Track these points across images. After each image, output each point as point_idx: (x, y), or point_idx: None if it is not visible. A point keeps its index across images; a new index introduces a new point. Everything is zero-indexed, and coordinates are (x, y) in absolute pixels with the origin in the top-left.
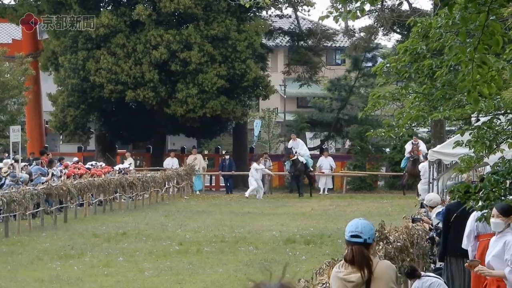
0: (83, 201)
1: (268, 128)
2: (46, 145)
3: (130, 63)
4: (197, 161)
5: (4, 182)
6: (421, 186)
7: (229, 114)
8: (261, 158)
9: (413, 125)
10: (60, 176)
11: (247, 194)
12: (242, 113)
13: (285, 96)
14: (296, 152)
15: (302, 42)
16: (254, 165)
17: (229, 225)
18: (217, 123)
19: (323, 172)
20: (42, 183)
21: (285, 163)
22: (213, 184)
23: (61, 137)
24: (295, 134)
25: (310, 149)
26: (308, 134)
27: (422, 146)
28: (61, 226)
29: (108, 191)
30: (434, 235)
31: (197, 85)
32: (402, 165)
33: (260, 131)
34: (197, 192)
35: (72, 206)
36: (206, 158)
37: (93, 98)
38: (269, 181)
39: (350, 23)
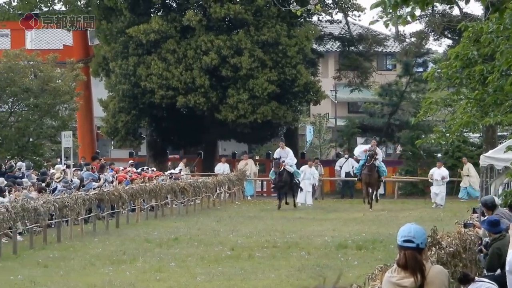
0: (134, 206)
1: (319, 133)
2: (97, 150)
3: (181, 69)
4: (248, 166)
5: (56, 187)
6: (435, 191)
7: (280, 120)
8: (311, 163)
9: (465, 130)
10: (112, 182)
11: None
12: (293, 118)
13: (336, 102)
14: (283, 162)
15: (352, 47)
16: (305, 167)
17: (280, 231)
18: (268, 129)
19: None
20: (94, 189)
21: (273, 174)
22: (265, 190)
23: (112, 142)
24: (283, 143)
25: None
26: (359, 140)
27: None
28: (113, 231)
29: (159, 197)
30: (482, 248)
31: (248, 91)
32: (357, 168)
33: (312, 137)
34: (249, 198)
35: (124, 212)
36: (257, 163)
37: (144, 104)
38: (320, 187)
39: (401, 28)
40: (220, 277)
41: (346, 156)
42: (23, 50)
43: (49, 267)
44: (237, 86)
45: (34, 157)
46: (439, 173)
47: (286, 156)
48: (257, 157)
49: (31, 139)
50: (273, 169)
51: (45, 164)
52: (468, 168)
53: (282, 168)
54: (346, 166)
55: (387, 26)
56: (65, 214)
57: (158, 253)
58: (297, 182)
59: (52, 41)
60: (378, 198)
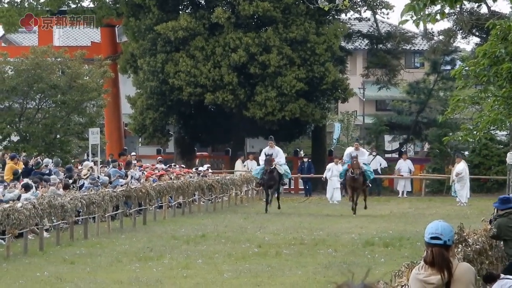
0: (162, 203)
1: (347, 131)
2: (125, 147)
3: (209, 66)
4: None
5: (83, 184)
6: (458, 187)
7: (308, 117)
8: (337, 160)
9: (492, 128)
10: (139, 179)
11: (338, 198)
12: (321, 116)
13: (364, 99)
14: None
15: (381, 45)
16: (332, 165)
17: (308, 228)
18: (296, 126)
19: (402, 175)
20: (121, 185)
21: (260, 170)
22: (292, 187)
23: (140, 139)
24: (273, 141)
25: (388, 152)
26: (387, 137)
27: (364, 157)
28: (140, 228)
29: (187, 194)
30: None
31: (276, 88)
32: (341, 172)
33: (339, 134)
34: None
35: (151, 208)
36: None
37: (172, 101)
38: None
39: (429, 26)
40: (247, 274)
41: (374, 153)
42: (51, 46)
43: (75, 263)
44: (265, 83)
45: (61, 154)
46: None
47: (276, 155)
48: (285, 155)
49: (58, 136)
50: (263, 165)
51: (73, 160)
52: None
53: (273, 166)
54: (374, 163)
55: (417, 25)
56: (92, 210)
57: (185, 250)
58: (285, 183)
59: (80, 38)
60: (367, 206)
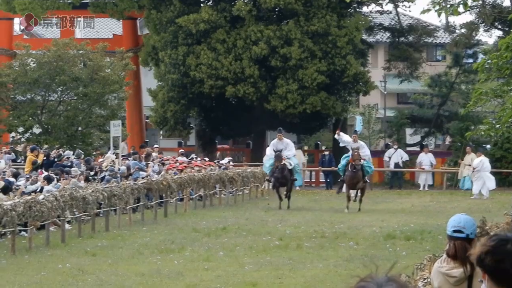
0: (183, 196)
1: (368, 124)
2: (146, 140)
3: (230, 59)
4: (297, 157)
5: (104, 176)
6: (475, 180)
7: (329, 110)
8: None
9: None
10: (159, 171)
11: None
12: (342, 109)
13: (385, 92)
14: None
15: (402, 38)
16: None
17: (329, 221)
18: (317, 119)
19: (423, 168)
20: (142, 178)
21: (270, 166)
22: (313, 180)
23: (161, 132)
24: (282, 134)
25: (410, 145)
26: (408, 131)
27: (364, 150)
28: (161, 220)
29: (208, 186)
30: None
31: (297, 81)
32: (339, 168)
33: (361, 127)
34: (297, 188)
35: (172, 201)
36: (306, 153)
37: (193, 94)
38: (369, 177)
39: (451, 19)
40: (268, 267)
41: (395, 147)
42: (73, 39)
43: (97, 255)
44: (287, 76)
45: (83, 146)
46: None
47: (284, 148)
48: (305, 148)
49: (80, 128)
50: (273, 160)
51: (94, 153)
52: (472, 158)
53: (283, 162)
54: (395, 157)
55: (439, 15)
56: (113, 203)
57: (206, 242)
58: (295, 179)
59: (102, 30)
60: (360, 206)
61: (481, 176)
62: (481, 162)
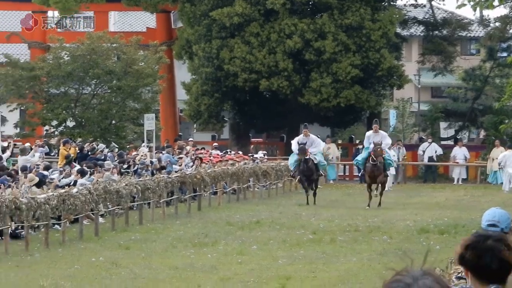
0: (217, 189)
1: (402, 118)
2: (180, 133)
3: (264, 52)
4: (331, 150)
5: (137, 169)
6: (503, 175)
7: (363, 104)
8: (392, 146)
9: None
10: (193, 165)
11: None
12: (376, 102)
13: (419, 86)
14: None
15: (436, 32)
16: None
17: (362, 215)
18: (351, 113)
19: (457, 162)
20: (176, 171)
21: (295, 162)
22: (347, 174)
23: (195, 125)
24: (307, 129)
25: (443, 139)
26: (442, 124)
27: (386, 141)
28: (195, 214)
29: (241, 180)
30: None
31: (331, 75)
32: (359, 160)
33: (395, 121)
34: (331, 181)
35: (206, 195)
36: (339, 147)
37: (227, 87)
38: (403, 171)
39: (485, 12)
40: (302, 261)
41: (429, 140)
42: (106, 32)
43: (130, 249)
44: (320, 70)
45: (117, 140)
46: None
47: (310, 144)
48: (339, 141)
49: (113, 122)
50: (297, 155)
51: (128, 146)
52: (501, 152)
53: (308, 156)
54: (429, 150)
55: (474, 9)
56: (147, 196)
57: (239, 236)
58: (321, 174)
59: (136, 23)
60: (381, 201)
61: (507, 171)
62: (505, 156)
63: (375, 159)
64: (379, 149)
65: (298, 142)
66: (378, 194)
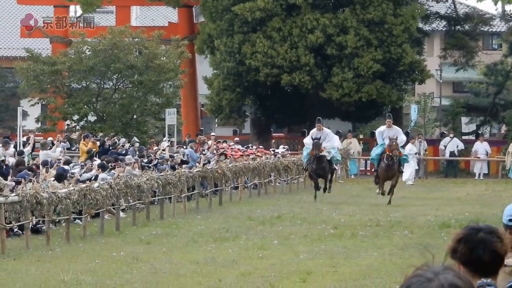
0: (238, 184)
1: (423, 112)
2: (201, 128)
3: (286, 47)
4: (352, 145)
5: (157, 164)
6: None
7: (384, 99)
8: (413, 140)
9: None
10: (213, 159)
11: (410, 181)
12: (397, 97)
13: (441, 81)
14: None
15: (458, 27)
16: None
17: (383, 209)
18: (373, 107)
19: (479, 157)
20: (197, 166)
21: (307, 156)
22: (368, 169)
23: (216, 120)
24: (321, 124)
25: (465, 134)
26: (464, 119)
27: (402, 138)
28: (216, 209)
29: (263, 175)
30: None
31: (353, 69)
32: (373, 156)
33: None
34: (352, 176)
35: (227, 189)
36: (361, 142)
37: (249, 82)
38: (424, 166)
39: (507, 7)
40: (323, 255)
41: (451, 135)
42: (128, 27)
43: (151, 243)
44: (342, 64)
45: (138, 134)
46: None
47: (324, 138)
48: (361, 136)
49: (135, 116)
50: (311, 151)
51: (149, 141)
52: None
53: (322, 152)
54: (451, 145)
55: (496, 3)
56: (168, 191)
57: (260, 230)
58: (335, 168)
59: (157, 18)
60: (391, 200)
61: None
62: None
63: (390, 153)
64: (394, 143)
65: (312, 137)
66: (389, 191)
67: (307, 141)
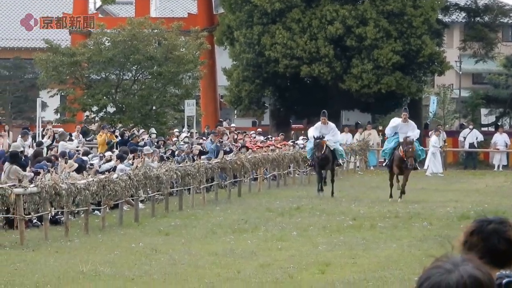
0: (257, 175)
1: (443, 104)
2: (220, 119)
3: (306, 38)
4: (372, 136)
5: (175, 155)
6: None
7: (404, 90)
8: (436, 132)
9: None
10: (232, 151)
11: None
12: (417, 89)
13: (460, 72)
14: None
15: (478, 18)
16: (433, 139)
17: (402, 201)
18: (392, 99)
19: (498, 149)
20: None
21: (311, 150)
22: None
23: (235, 111)
24: (326, 117)
25: (484, 125)
26: (483, 111)
27: (415, 133)
28: (235, 200)
29: (282, 166)
30: None
31: (372, 61)
32: (386, 151)
33: (436, 108)
34: (371, 168)
35: (246, 181)
36: (380, 133)
37: (268, 73)
38: (443, 157)
39: None
40: (342, 247)
41: (470, 127)
42: (148, 18)
43: (170, 235)
44: (362, 56)
45: (157, 125)
46: None
47: (328, 132)
48: (380, 128)
49: (154, 107)
50: (314, 151)
51: (169, 132)
52: None
53: (325, 149)
54: (470, 137)
55: None
56: (187, 182)
57: (279, 222)
58: (339, 163)
59: (177, 9)
60: (402, 194)
61: None
62: None
63: (405, 158)
64: (410, 149)
65: (314, 136)
66: (401, 186)
67: (310, 135)
